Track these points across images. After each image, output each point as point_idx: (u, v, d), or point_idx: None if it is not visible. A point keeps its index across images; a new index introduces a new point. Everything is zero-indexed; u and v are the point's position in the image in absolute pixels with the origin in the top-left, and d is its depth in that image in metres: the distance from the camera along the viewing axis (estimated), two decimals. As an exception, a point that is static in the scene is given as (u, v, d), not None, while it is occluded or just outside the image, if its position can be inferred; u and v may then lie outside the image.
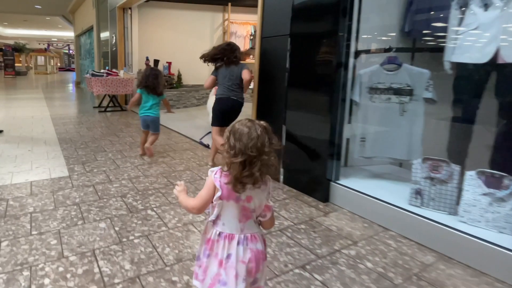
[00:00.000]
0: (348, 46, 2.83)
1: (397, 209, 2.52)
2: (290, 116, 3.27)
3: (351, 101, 3.00)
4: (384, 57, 2.95)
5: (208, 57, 3.65)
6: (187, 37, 10.12)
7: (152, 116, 4.28)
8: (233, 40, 10.54)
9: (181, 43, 10.05)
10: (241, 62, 3.63)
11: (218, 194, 1.28)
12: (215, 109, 3.70)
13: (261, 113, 3.66)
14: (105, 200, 2.89)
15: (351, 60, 2.89)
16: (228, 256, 1.29)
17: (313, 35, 3.00)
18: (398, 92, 2.87)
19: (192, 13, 10.08)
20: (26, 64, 31.24)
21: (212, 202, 1.31)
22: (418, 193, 2.51)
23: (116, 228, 2.41)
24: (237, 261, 1.28)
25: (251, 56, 11.17)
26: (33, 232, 2.33)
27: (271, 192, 1.36)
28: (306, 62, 3.06)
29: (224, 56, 3.57)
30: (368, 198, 2.70)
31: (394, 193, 2.72)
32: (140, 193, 3.06)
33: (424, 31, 3.20)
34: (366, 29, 3.07)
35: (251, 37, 10.87)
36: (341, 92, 2.87)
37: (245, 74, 3.51)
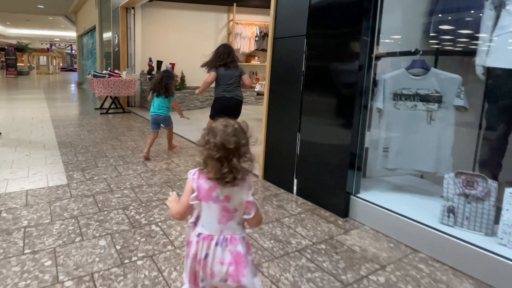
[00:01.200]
0: (371, 48, 2.60)
1: (427, 228, 2.28)
2: (306, 123, 3.04)
3: (371, 107, 2.77)
4: (410, 60, 2.72)
5: (209, 66, 4.09)
6: (191, 38, 9.91)
7: (162, 115, 4.33)
8: (238, 41, 10.35)
9: (185, 44, 9.84)
10: (239, 64, 4.14)
11: (194, 194, 1.28)
12: (215, 106, 4.09)
13: (272, 119, 3.43)
14: (105, 212, 2.67)
15: (374, 63, 2.66)
16: (206, 256, 1.28)
17: (332, 36, 2.77)
18: (425, 98, 2.64)
19: (196, 14, 9.88)
20: (28, 64, 31.08)
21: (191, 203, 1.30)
22: (450, 211, 2.28)
23: (118, 247, 2.18)
24: (213, 261, 1.27)
25: (256, 58, 10.97)
26: (26, 251, 2.11)
27: (252, 187, 1.32)
28: (324, 64, 2.84)
29: (223, 61, 4.01)
30: (393, 215, 2.47)
31: (422, 209, 2.49)
32: (143, 204, 2.84)
33: (452, 33, 2.96)
34: (387, 30, 2.84)
35: (256, 39, 10.66)
36: (363, 98, 2.63)
37: (247, 80, 4.11)
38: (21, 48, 30.22)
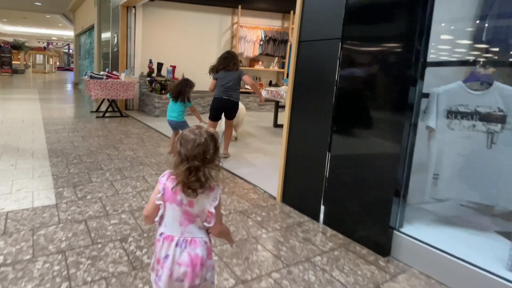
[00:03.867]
0: (423, 56, 2.17)
1: (494, 277, 1.86)
2: (339, 140, 2.60)
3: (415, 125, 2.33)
4: (459, 71, 2.31)
5: (214, 70, 4.44)
6: (194, 40, 9.49)
7: (175, 120, 4.48)
8: (242, 45, 9.95)
9: (187, 46, 9.43)
10: (241, 68, 4.42)
11: (159, 195, 1.33)
12: (212, 106, 4.46)
13: (295, 134, 2.99)
14: (99, 246, 2.21)
15: (425, 74, 2.23)
16: (166, 256, 1.31)
17: (376, 40, 2.34)
18: (486, 118, 2.21)
19: (199, 15, 9.46)
20: (24, 62, 30.49)
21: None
22: (527, 259, 1.84)
23: (114, 298, 1.73)
24: (173, 262, 1.30)
25: (260, 63, 10.55)
26: (-4, 303, 1.65)
27: (217, 199, 1.34)
28: (365, 73, 2.41)
29: (225, 64, 4.34)
30: (448, 258, 2.03)
31: (482, 251, 2.07)
32: (144, 235, 2.38)
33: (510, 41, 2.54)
34: (437, 36, 2.43)
35: (261, 43, 10.25)
36: (413, 115, 2.20)
37: (247, 80, 4.36)
38: (17, 46, 29.59)
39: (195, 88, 5.19)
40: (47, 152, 4.31)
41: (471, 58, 2.31)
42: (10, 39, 30.39)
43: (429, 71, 2.20)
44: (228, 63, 4.34)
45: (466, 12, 2.63)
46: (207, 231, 1.38)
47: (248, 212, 2.87)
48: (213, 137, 1.31)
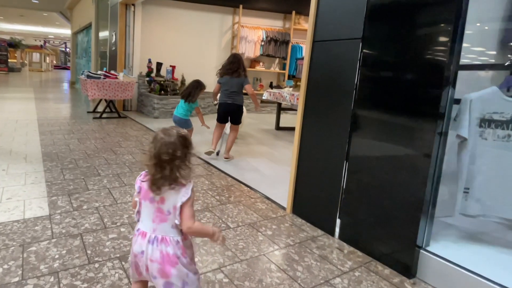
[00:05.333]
0: (456, 59, 1.97)
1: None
2: (358, 149, 2.39)
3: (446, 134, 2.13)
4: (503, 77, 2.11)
5: (222, 73, 4.54)
6: (194, 40, 9.27)
7: (178, 116, 4.62)
8: (242, 45, 9.73)
9: (187, 46, 9.20)
10: (244, 73, 4.49)
11: (135, 193, 1.42)
12: (218, 111, 4.60)
13: (307, 140, 2.78)
14: (96, 265, 1.99)
15: (457, 79, 2.03)
16: (142, 252, 1.36)
17: (402, 40, 2.14)
18: (523, 127, 2.01)
19: (200, 14, 9.24)
20: (21, 60, 30.15)
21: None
22: None
23: (113, 332, 1.51)
24: (146, 258, 1.35)
25: (261, 63, 10.34)
26: (-23, 338, 1.43)
27: (189, 196, 1.34)
28: (391, 76, 2.20)
29: (230, 69, 4.45)
30: (484, 282, 1.83)
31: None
32: (147, 252, 2.16)
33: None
34: (468, 37, 2.22)
35: (262, 43, 10.04)
36: (444, 123, 2.00)
37: (249, 89, 4.48)
38: (14, 44, 29.22)
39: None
40: (41, 156, 4.08)
41: (507, 61, 2.12)
42: (7, 37, 30.01)
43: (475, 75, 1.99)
44: (233, 69, 4.44)
45: (501, 12, 2.43)
46: (182, 230, 1.37)
47: (257, 224, 2.66)
48: (182, 137, 1.35)
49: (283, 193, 3.13)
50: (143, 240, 1.36)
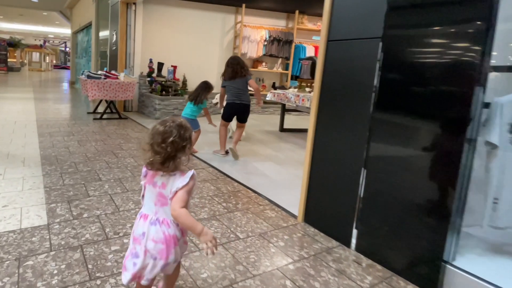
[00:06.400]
0: (487, 59, 1.82)
1: None
2: (377, 155, 2.24)
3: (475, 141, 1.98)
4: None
5: (226, 76, 4.63)
6: (195, 40, 9.12)
7: (185, 117, 4.56)
8: (245, 45, 9.58)
9: (189, 46, 9.05)
10: (246, 71, 4.62)
11: (142, 176, 1.51)
12: (226, 110, 4.66)
13: (321, 145, 2.64)
14: (98, 282, 1.84)
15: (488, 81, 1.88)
16: (143, 233, 1.41)
17: (427, 40, 1.99)
18: (559, 133, 1.86)
19: (202, 13, 9.09)
20: (21, 60, 29.99)
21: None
22: None
23: None
24: (147, 239, 1.39)
25: (264, 64, 10.19)
26: None
27: (187, 183, 1.39)
28: (415, 78, 2.05)
29: (233, 71, 4.56)
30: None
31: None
32: (152, 266, 2.01)
33: None
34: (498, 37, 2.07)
35: (265, 43, 9.89)
36: (474, 128, 1.85)
37: (253, 84, 4.57)
38: (13, 43, 29.05)
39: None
40: (39, 159, 3.93)
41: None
42: (6, 37, 29.85)
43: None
44: (235, 72, 4.57)
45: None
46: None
47: (268, 235, 2.51)
48: (180, 126, 1.41)
49: (293, 200, 2.99)
50: (145, 222, 1.43)
